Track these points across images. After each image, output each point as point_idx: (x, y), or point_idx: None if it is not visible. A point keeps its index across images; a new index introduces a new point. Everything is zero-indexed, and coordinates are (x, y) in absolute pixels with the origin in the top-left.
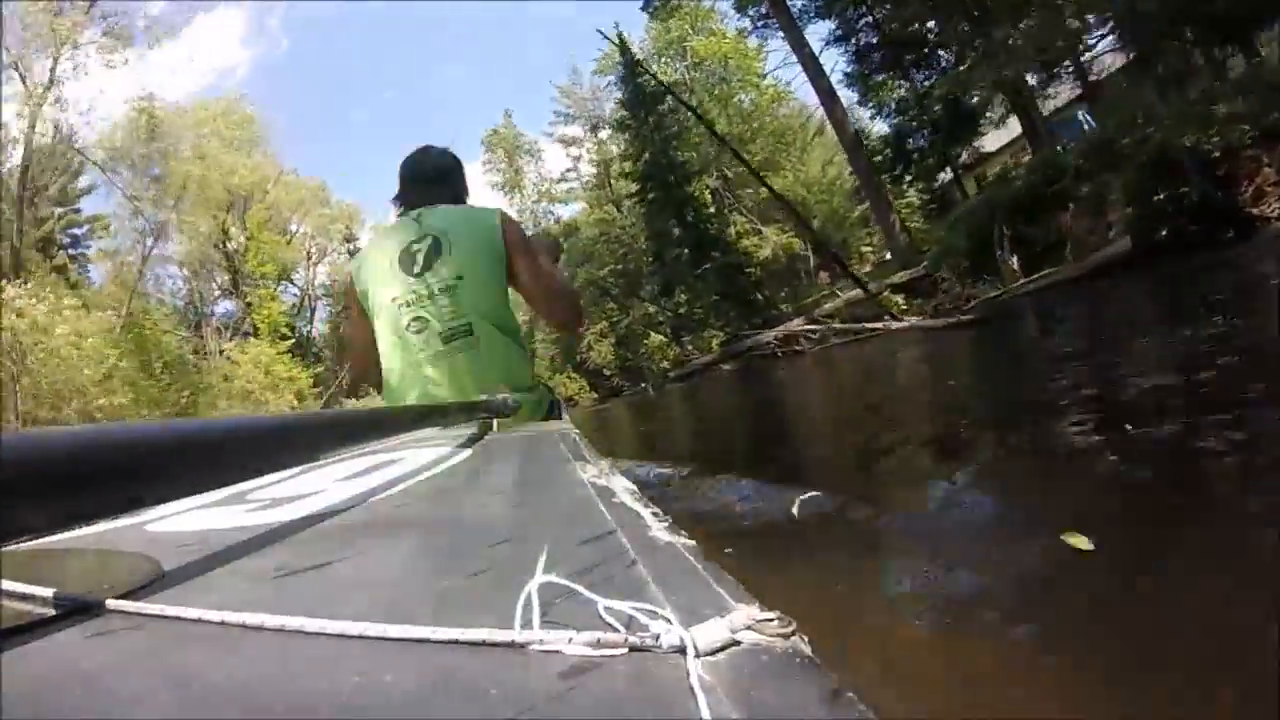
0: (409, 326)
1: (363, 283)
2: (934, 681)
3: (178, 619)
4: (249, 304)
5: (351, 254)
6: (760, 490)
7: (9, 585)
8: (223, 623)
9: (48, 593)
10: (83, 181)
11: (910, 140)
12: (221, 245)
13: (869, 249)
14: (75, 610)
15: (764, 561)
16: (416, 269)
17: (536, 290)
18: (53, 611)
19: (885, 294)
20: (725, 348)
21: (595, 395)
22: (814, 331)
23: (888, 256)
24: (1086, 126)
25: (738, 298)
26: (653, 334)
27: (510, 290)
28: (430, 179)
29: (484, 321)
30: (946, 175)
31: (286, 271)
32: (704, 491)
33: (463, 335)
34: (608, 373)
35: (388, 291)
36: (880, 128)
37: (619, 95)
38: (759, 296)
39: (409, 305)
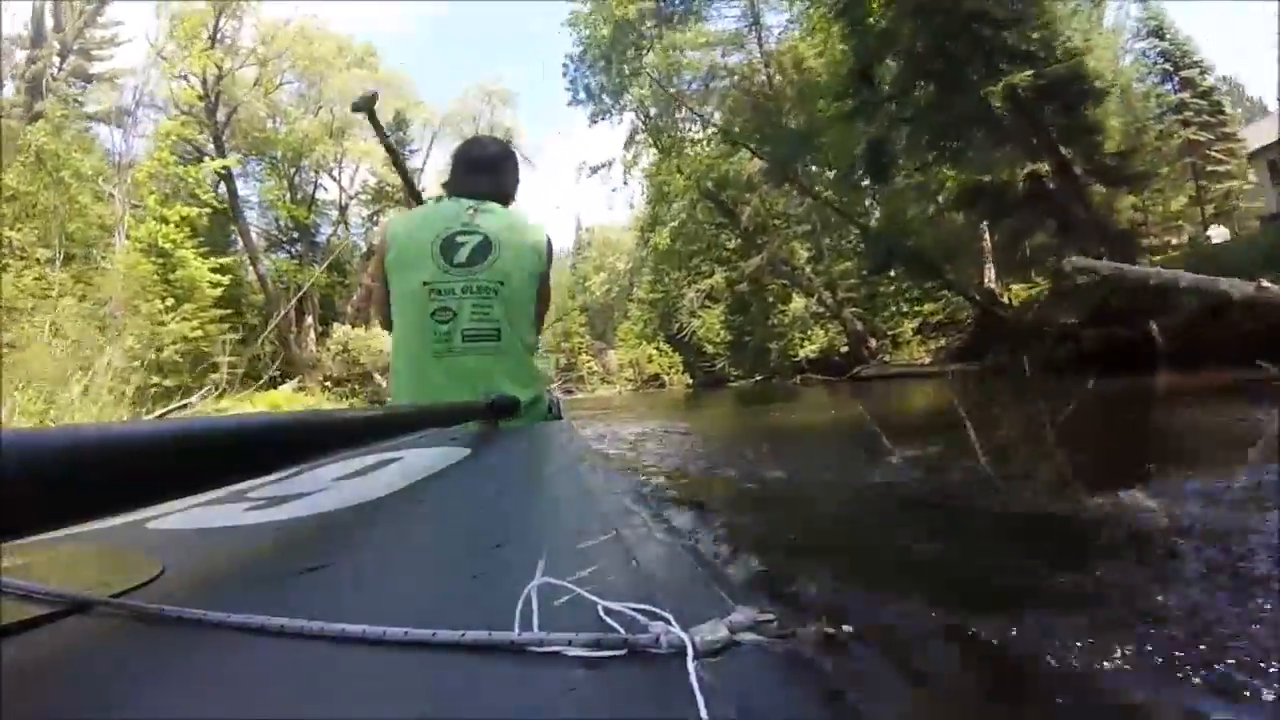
0: (435, 315)
1: (394, 251)
2: None
3: (177, 618)
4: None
5: (404, 147)
6: None
7: (9, 583)
8: (222, 622)
9: (48, 590)
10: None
11: None
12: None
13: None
14: (75, 608)
15: None
16: (458, 260)
17: (543, 304)
18: (53, 609)
19: None
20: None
21: (689, 380)
22: None
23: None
24: None
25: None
26: (794, 297)
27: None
28: (478, 166)
29: (512, 331)
30: None
31: (299, 150)
32: None
33: (488, 339)
34: (710, 350)
35: (419, 273)
36: None
37: None
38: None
39: (440, 294)
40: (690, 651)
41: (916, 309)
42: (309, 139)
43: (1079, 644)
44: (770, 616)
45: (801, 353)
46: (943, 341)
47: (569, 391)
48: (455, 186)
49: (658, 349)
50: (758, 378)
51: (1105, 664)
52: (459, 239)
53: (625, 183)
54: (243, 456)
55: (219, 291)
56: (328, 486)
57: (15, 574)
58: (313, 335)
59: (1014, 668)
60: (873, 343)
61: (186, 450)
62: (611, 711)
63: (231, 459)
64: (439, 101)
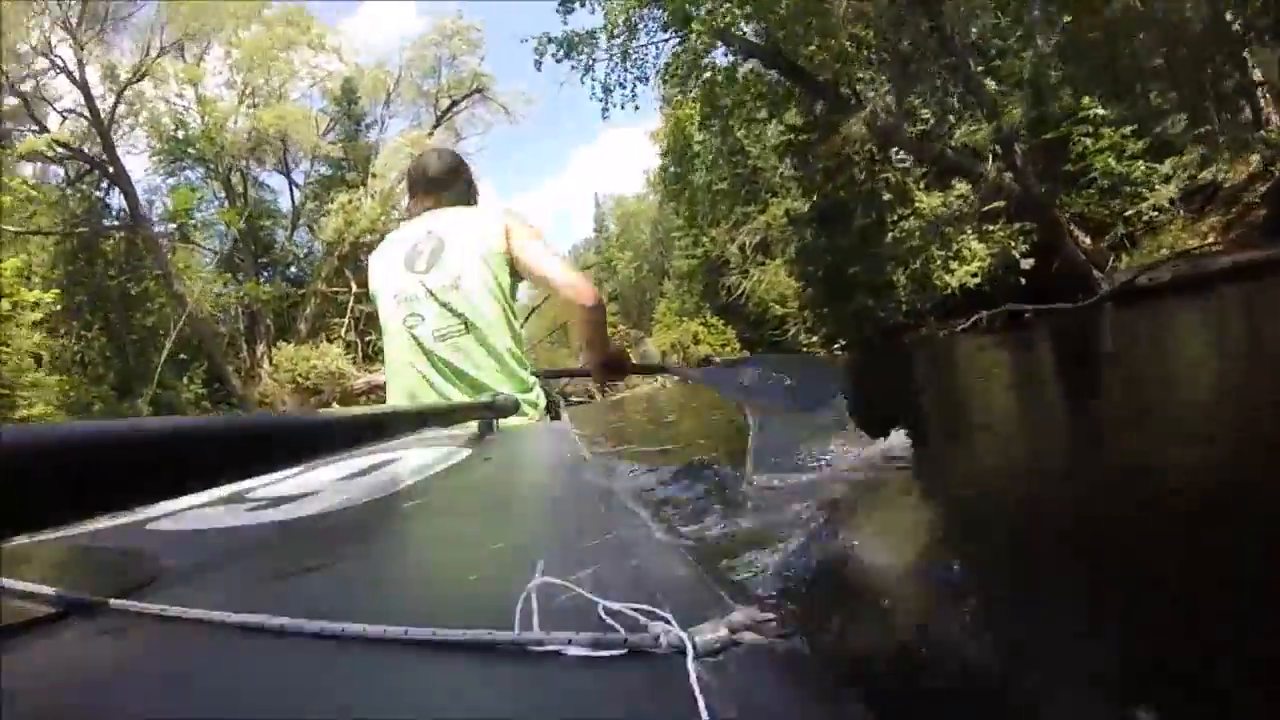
0: (406, 321)
1: (373, 277)
2: None
3: (177, 618)
4: None
5: (358, 122)
6: None
7: (9, 583)
8: (222, 622)
9: (48, 590)
10: None
11: None
12: None
13: None
14: (75, 608)
15: None
16: (419, 267)
17: (546, 275)
18: (53, 609)
19: None
20: None
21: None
22: None
23: None
24: None
25: None
26: (920, 195)
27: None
28: (434, 181)
29: (480, 321)
30: None
31: (216, 139)
32: None
33: (457, 334)
34: (779, 311)
35: (390, 287)
36: None
37: None
38: None
39: (408, 300)
40: (690, 651)
41: (1153, 170)
42: (229, 120)
43: None
44: (770, 616)
45: (952, 281)
46: (1222, 214)
47: (602, 390)
48: (414, 202)
49: (704, 324)
50: (840, 343)
51: None
52: (419, 247)
53: (613, 57)
54: (243, 456)
55: (30, 295)
56: (327, 486)
57: (15, 574)
58: (266, 364)
59: None
60: (1086, 240)
61: (186, 450)
62: (611, 711)
63: (231, 459)
64: (392, 57)
